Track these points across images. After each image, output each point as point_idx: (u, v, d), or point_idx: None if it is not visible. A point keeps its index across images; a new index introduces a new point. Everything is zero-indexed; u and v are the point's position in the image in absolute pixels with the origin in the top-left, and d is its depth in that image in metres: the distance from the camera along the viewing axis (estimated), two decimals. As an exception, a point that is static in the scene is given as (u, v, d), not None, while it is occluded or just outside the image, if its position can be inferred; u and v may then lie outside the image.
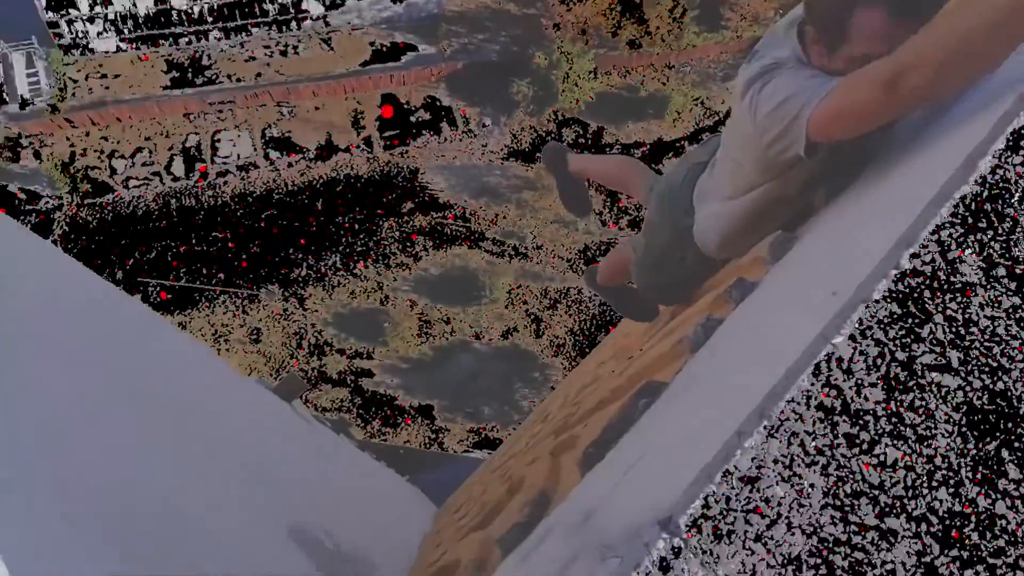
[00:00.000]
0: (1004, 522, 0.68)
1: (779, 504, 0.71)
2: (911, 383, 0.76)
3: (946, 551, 0.70)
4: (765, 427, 0.72)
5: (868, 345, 0.80)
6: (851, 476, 0.71)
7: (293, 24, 20.60)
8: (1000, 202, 0.86)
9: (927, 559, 0.68)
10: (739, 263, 2.82)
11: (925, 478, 0.72)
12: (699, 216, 2.23)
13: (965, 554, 0.69)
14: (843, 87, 1.43)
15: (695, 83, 20.85)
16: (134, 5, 19.54)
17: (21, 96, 19.43)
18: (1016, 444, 0.71)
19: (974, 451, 0.69)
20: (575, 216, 3.64)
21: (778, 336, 1.16)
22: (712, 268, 2.46)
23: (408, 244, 18.77)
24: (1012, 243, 0.84)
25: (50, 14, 19.12)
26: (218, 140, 19.75)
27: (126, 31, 19.80)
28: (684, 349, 1.96)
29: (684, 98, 20.05)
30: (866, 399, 0.76)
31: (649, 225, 2.56)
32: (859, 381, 0.76)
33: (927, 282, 0.83)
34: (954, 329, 0.81)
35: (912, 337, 0.80)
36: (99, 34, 19.78)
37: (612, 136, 20.21)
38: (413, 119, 20.26)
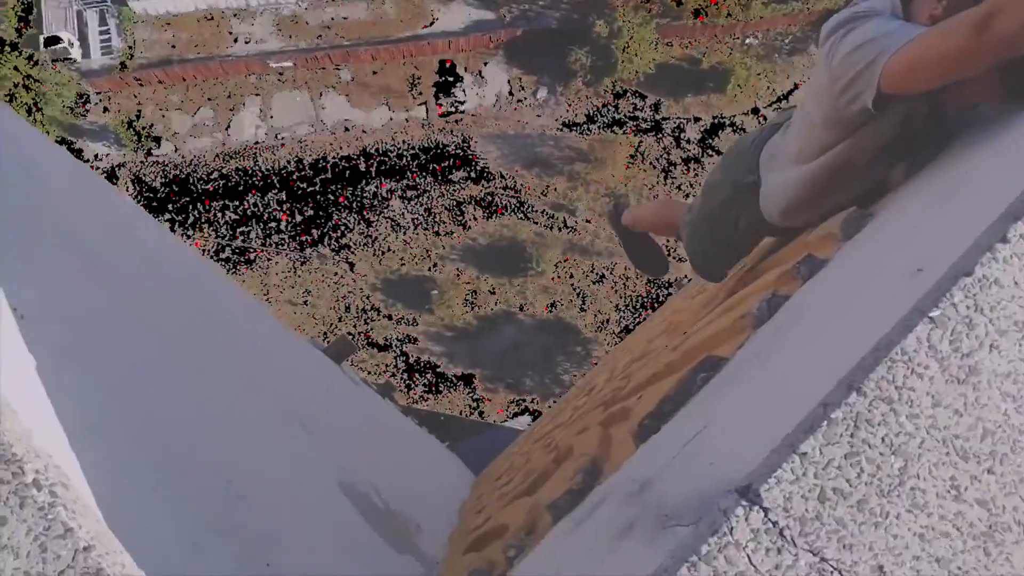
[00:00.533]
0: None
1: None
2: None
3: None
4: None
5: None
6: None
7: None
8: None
9: None
10: (807, 239, 2.72)
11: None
12: (767, 180, 2.16)
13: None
14: (928, 34, 1.35)
15: (760, 56, 20.20)
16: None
17: (94, 53, 20.01)
18: None
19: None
20: (650, 275, 3.55)
21: (860, 311, 1.09)
22: (761, 237, 2.40)
23: (458, 213, 18.86)
24: None
25: (121, -28, 19.54)
26: (278, 103, 20.05)
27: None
28: (747, 325, 1.90)
29: (747, 72, 19.45)
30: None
31: (709, 186, 2.52)
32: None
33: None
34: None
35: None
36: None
37: (671, 109, 19.83)
38: (469, 87, 20.21)
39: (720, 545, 0.68)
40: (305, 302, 18.02)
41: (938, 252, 0.94)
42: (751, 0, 19.63)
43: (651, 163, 19.37)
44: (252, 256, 18.44)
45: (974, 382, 0.68)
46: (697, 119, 19.62)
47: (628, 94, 20.07)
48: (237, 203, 18.99)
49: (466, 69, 20.49)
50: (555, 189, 19.12)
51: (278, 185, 19.22)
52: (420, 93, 20.13)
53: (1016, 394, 0.68)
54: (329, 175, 19.36)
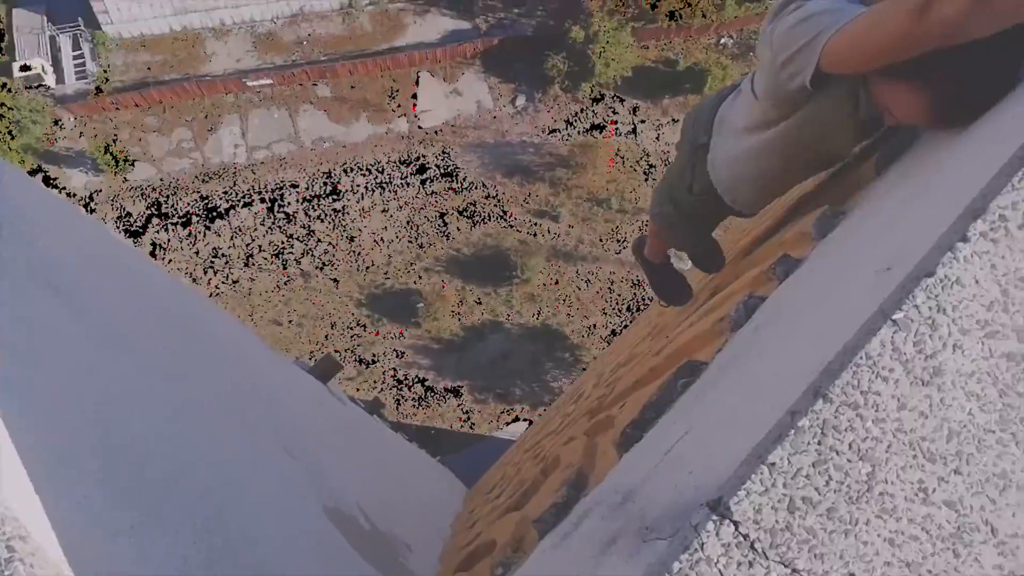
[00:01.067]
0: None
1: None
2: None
3: None
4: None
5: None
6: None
7: None
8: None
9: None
10: (783, 238, 2.72)
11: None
12: (715, 143, 2.12)
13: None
14: (869, 14, 1.33)
15: (735, 56, 20.38)
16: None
17: (68, 78, 19.85)
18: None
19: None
20: (672, 305, 3.42)
21: (830, 313, 1.09)
22: (718, 209, 2.32)
23: (441, 224, 18.84)
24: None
25: (92, -4, 19.42)
26: (256, 121, 19.97)
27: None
28: (725, 327, 1.90)
29: (724, 71, 19.60)
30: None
31: (675, 150, 2.50)
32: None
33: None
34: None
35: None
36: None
37: (648, 112, 19.93)
38: (447, 97, 20.22)
39: (692, 562, 0.68)
40: (290, 321, 17.92)
41: (905, 251, 0.95)
42: (725, 0, 19.80)
43: (631, 166, 19.45)
44: (235, 276, 18.33)
45: (938, 383, 0.68)
46: (675, 120, 19.74)
47: (606, 98, 20.17)
48: (219, 223, 18.87)
49: (444, 79, 20.52)
50: (537, 196, 19.15)
51: (259, 203, 19.12)
52: (399, 105, 20.13)
53: (980, 393, 0.68)
54: (311, 191, 19.29)
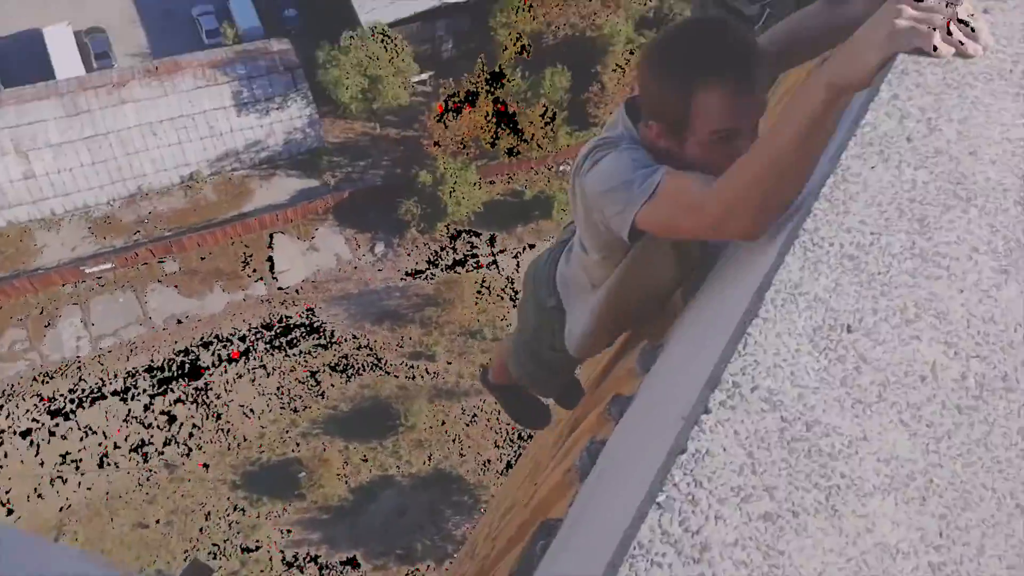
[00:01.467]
0: None
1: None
2: None
3: None
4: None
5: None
6: None
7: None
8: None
9: None
10: (616, 376, 2.60)
11: None
12: (568, 307, 2.10)
13: None
14: (671, 202, 1.38)
15: (575, 180, 21.61)
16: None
17: None
18: None
19: None
20: (532, 428, 3.48)
21: (639, 466, 1.06)
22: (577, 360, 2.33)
23: (314, 383, 18.00)
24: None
25: None
26: (99, 308, 18.72)
27: None
28: (574, 478, 1.82)
29: (567, 195, 20.71)
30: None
31: (520, 309, 2.49)
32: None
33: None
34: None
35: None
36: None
37: (506, 241, 20.55)
38: (304, 254, 19.97)
39: None
40: (158, 521, 16.10)
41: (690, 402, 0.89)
42: (556, 132, 21.25)
43: (498, 294, 19.73)
44: (89, 482, 16.43)
45: (708, 558, 0.68)
46: (532, 246, 20.43)
47: (463, 234, 20.66)
48: (65, 425, 17.09)
49: (299, 237, 20.34)
50: (410, 338, 18.88)
51: (110, 396, 17.60)
52: (254, 270, 19.64)
53: (746, 559, 0.68)
54: (167, 373, 18.04)
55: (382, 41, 20.23)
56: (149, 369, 18.01)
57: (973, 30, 0.97)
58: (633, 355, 2.35)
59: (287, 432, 17.34)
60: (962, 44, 0.96)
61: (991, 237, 0.88)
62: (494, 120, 20.66)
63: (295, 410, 17.67)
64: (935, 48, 0.94)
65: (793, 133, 1.05)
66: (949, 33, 0.95)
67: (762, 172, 1.11)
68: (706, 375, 0.87)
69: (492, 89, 20.60)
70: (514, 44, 20.97)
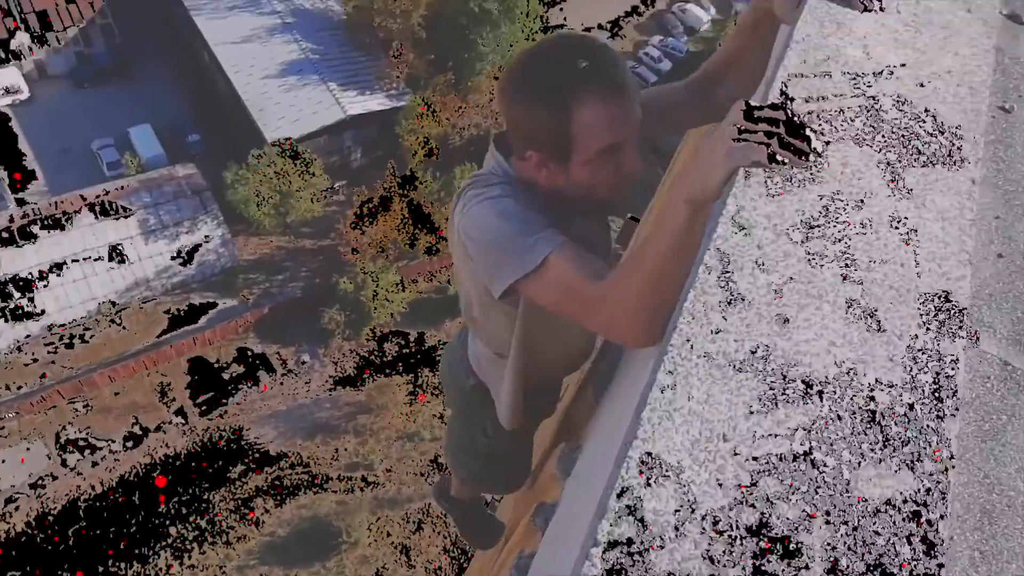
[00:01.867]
0: None
1: None
2: None
3: None
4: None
5: None
6: None
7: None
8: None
9: None
10: (541, 483, 2.54)
11: None
12: (491, 387, 1.98)
13: None
14: (560, 287, 1.29)
15: (496, 271, 21.85)
16: None
17: None
18: None
19: None
20: (483, 548, 3.20)
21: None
22: (527, 439, 2.18)
23: (247, 511, 16.97)
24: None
25: None
26: (2, 461, 17.33)
27: None
28: None
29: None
30: None
31: (446, 406, 2.33)
32: None
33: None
34: None
35: None
36: None
37: (435, 337, 20.38)
38: (226, 376, 19.22)
39: None
40: None
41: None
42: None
43: (432, 393, 19.41)
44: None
45: None
46: (461, 339, 20.33)
47: (390, 336, 20.41)
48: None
49: (218, 360, 19.63)
50: (345, 449, 18.21)
51: (20, 555, 16.09)
52: (174, 399, 18.72)
53: None
54: (85, 523, 16.69)
55: (291, 155, 20.39)
56: (64, 518, 16.63)
57: (806, 138, 1.05)
58: (552, 460, 2.32)
59: (221, 568, 16.17)
60: (794, 153, 1.03)
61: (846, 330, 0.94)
62: (410, 221, 20.87)
63: (228, 543, 16.56)
64: (771, 159, 1.01)
65: (665, 247, 1.11)
66: (782, 144, 1.02)
67: (643, 286, 1.15)
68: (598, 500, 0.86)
69: (406, 192, 20.91)
70: (422, 148, 21.50)
